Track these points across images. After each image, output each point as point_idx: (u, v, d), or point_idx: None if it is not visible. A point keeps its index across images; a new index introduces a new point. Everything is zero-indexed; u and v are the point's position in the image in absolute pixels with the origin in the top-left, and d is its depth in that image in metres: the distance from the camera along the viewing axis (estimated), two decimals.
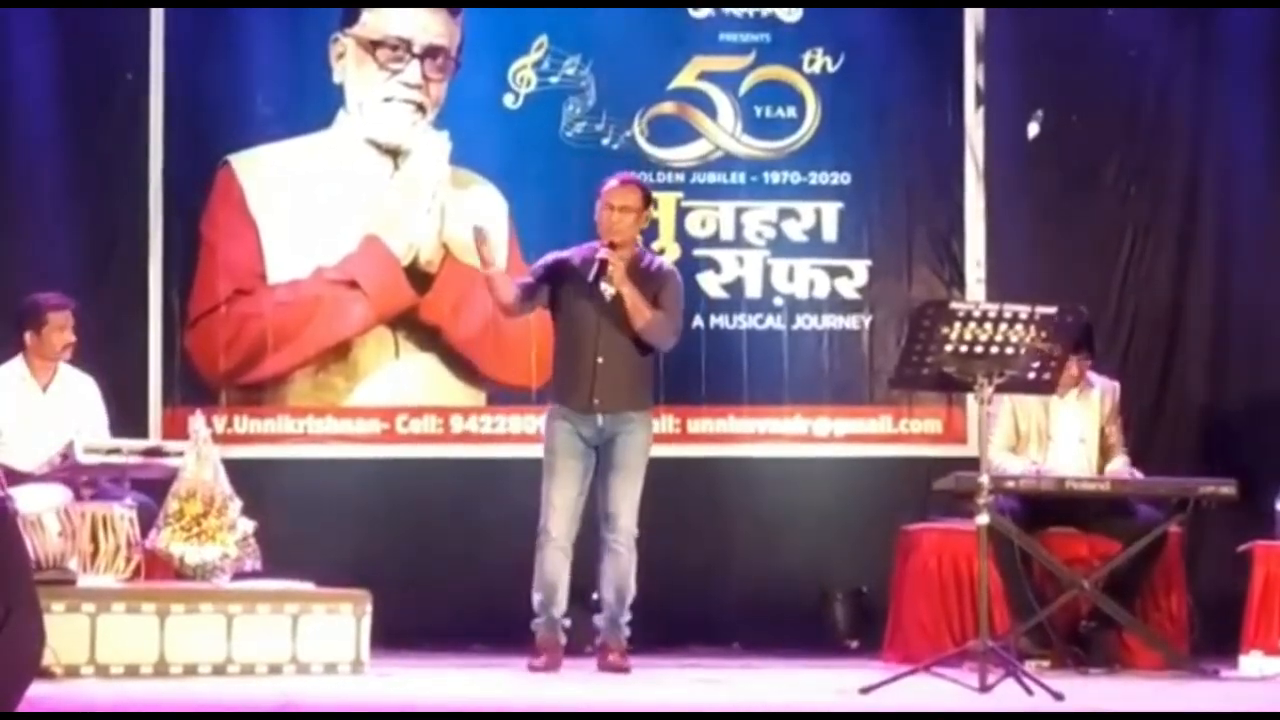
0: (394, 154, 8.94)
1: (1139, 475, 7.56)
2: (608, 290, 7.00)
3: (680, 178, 8.98)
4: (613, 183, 7.12)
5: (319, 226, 8.87)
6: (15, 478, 6.75)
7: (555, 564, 6.99)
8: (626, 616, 7.07)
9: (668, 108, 9.00)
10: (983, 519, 6.02)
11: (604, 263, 6.97)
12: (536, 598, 7.05)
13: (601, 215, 7.07)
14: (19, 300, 7.70)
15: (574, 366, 7.07)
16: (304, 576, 6.80)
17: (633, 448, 7.03)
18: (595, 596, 7.25)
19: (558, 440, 7.04)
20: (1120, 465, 7.62)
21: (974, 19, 8.99)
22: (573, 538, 7.03)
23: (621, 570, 7.01)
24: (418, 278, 8.87)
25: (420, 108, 8.93)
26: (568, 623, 7.12)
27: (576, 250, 7.18)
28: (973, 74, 8.97)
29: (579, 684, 6.59)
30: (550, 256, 7.21)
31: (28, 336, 7.59)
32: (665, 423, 8.68)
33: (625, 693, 6.21)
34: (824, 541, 8.73)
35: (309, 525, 8.27)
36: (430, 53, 8.94)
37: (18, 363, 7.63)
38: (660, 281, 7.13)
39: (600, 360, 7.00)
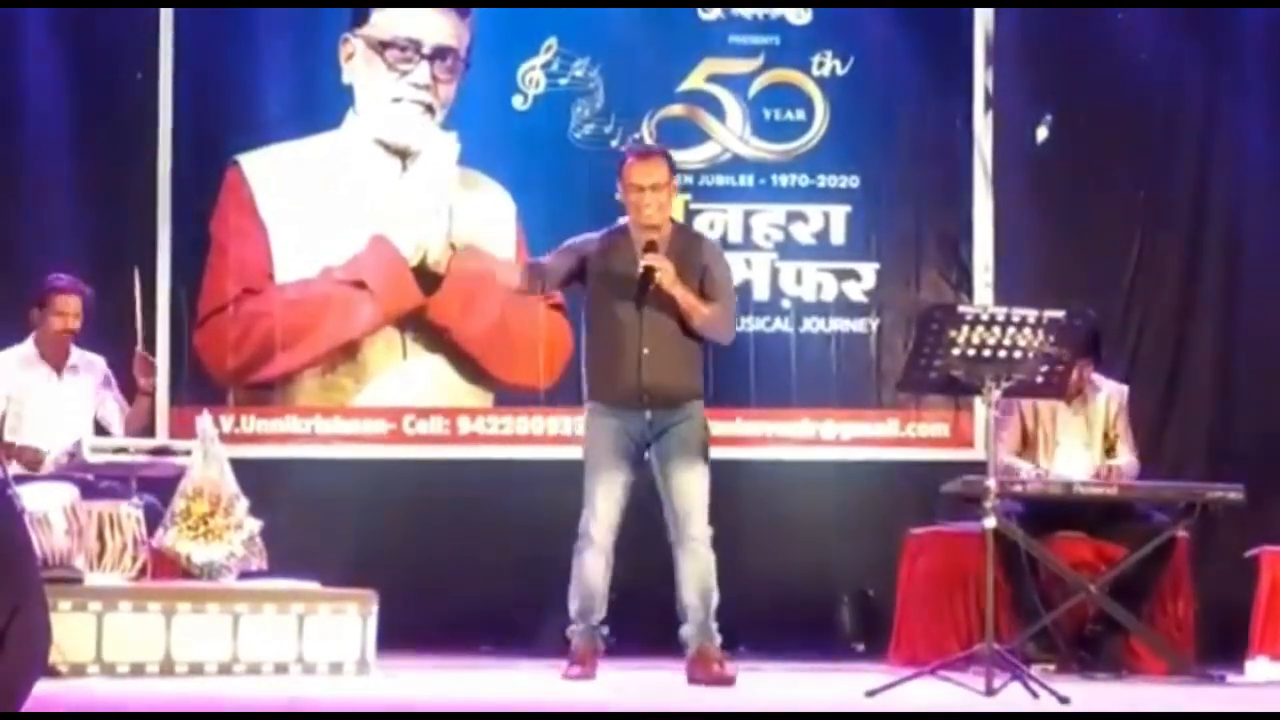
0: (402, 154, 8.94)
1: (1136, 473, 7.56)
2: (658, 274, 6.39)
3: (689, 180, 8.94)
4: (631, 159, 6.57)
5: (327, 226, 8.87)
6: (22, 475, 6.76)
7: (595, 569, 6.50)
8: (714, 622, 6.51)
9: (676, 110, 9.00)
10: (989, 522, 6.01)
11: (649, 272, 6.37)
12: (574, 605, 6.57)
13: (631, 201, 6.50)
14: (36, 288, 7.68)
15: (616, 359, 6.49)
16: (310, 576, 6.80)
17: (690, 439, 6.48)
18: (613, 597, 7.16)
19: (601, 438, 6.52)
20: (1125, 457, 7.59)
21: (984, 22, 8.98)
22: (614, 541, 6.52)
23: (702, 571, 6.44)
24: (426, 278, 8.86)
25: (429, 108, 8.93)
26: (606, 630, 6.67)
27: (597, 236, 6.69)
28: (982, 78, 8.96)
29: (584, 684, 6.55)
30: (570, 245, 6.71)
31: (34, 314, 7.58)
32: None
33: (630, 694, 6.20)
34: (830, 544, 8.72)
35: (315, 525, 8.28)
36: (439, 54, 8.94)
37: (28, 345, 7.59)
38: (705, 262, 6.56)
39: (646, 351, 6.44)
